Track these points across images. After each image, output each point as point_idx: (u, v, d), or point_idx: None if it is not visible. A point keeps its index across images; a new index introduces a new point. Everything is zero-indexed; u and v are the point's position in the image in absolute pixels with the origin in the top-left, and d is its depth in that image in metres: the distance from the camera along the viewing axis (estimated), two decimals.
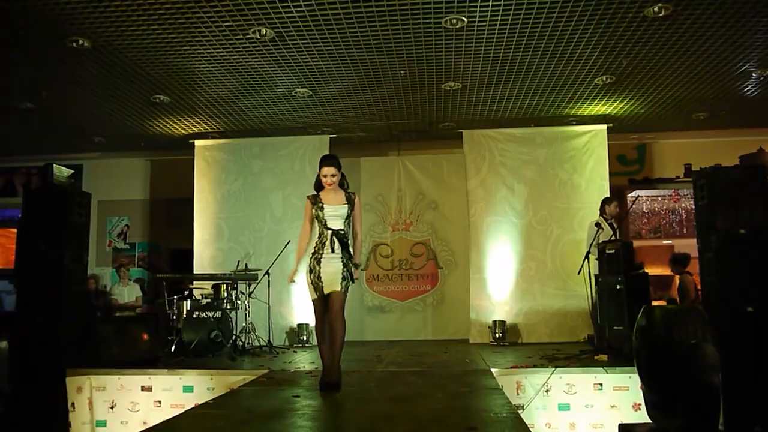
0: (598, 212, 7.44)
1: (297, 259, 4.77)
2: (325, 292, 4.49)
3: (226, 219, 8.99)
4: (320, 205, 4.56)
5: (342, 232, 4.55)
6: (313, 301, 4.56)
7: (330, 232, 4.52)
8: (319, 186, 4.68)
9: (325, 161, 4.65)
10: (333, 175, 4.59)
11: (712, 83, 7.37)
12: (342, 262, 4.51)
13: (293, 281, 4.82)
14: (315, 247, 4.56)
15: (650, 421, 2.90)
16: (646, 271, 6.91)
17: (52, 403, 5.44)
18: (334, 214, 4.55)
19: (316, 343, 4.82)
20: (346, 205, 4.61)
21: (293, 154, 8.97)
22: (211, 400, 4.62)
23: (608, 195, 8.28)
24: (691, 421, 2.34)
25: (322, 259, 4.49)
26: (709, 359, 2.28)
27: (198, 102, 7.86)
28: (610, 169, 8.63)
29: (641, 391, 2.92)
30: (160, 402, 5.59)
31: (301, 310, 8.36)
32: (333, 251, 4.50)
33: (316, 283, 4.50)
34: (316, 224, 4.61)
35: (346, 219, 4.59)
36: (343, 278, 4.51)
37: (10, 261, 7.93)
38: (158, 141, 9.55)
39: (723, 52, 6.46)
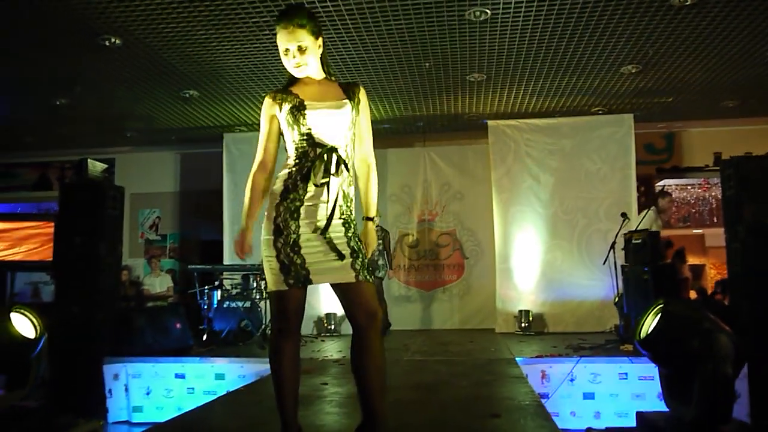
0: (651, 209, 7.37)
1: (247, 213, 2.46)
2: (321, 281, 2.33)
3: None
4: (296, 102, 2.37)
5: (345, 154, 2.39)
6: (277, 295, 2.33)
7: (320, 151, 2.34)
8: (294, 78, 2.49)
9: (281, 18, 2.41)
10: (302, 48, 2.38)
11: (740, 70, 7.26)
12: (344, 218, 2.37)
13: (247, 253, 2.44)
14: (286, 184, 2.36)
15: (667, 409, 2.96)
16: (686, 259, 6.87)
17: (90, 389, 5.65)
18: (327, 120, 2.37)
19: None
20: (347, 103, 2.42)
21: None
22: (242, 387, 4.76)
23: (635, 184, 8.28)
24: (704, 410, 2.39)
25: (302, 210, 2.32)
26: (723, 349, 2.32)
27: (226, 96, 7.99)
28: (638, 158, 8.58)
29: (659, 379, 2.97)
30: (193, 389, 5.76)
31: (328, 299, 8.48)
32: (328, 192, 2.32)
33: (289, 259, 2.29)
34: (288, 140, 2.43)
35: (349, 130, 2.42)
36: (355, 251, 2.33)
37: (48, 253, 8.18)
38: (188, 135, 9.73)
39: (753, 38, 6.36)
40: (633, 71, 7.25)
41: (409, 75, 7.32)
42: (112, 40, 6.16)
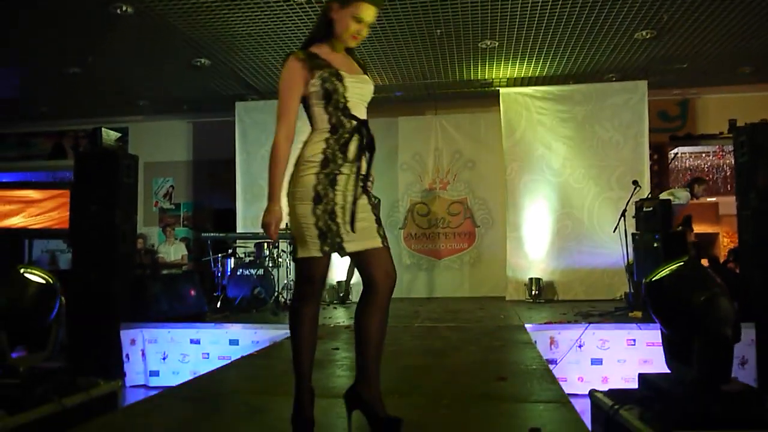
0: (687, 189, 7.39)
1: (279, 187, 2.39)
2: (353, 247, 2.34)
3: (267, 179, 9.17)
4: (333, 71, 2.36)
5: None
6: (309, 261, 2.34)
7: (355, 123, 2.39)
8: (321, 38, 2.46)
9: None
10: (369, 25, 2.43)
11: (756, 37, 7.15)
12: (367, 190, 2.45)
13: (280, 231, 2.43)
14: (325, 153, 2.34)
15: (669, 371, 3.02)
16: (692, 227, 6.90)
17: (108, 354, 5.80)
18: (359, 92, 2.43)
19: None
20: (369, 77, 2.51)
21: None
22: (255, 351, 4.87)
23: (647, 152, 8.25)
24: (704, 370, 2.45)
25: (338, 179, 2.35)
26: (723, 312, 2.37)
27: (238, 65, 7.99)
28: (652, 126, 8.50)
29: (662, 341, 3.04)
30: (208, 354, 5.89)
31: (339, 267, 8.57)
32: (359, 165, 2.40)
33: (327, 227, 2.31)
34: (319, 110, 2.39)
35: (368, 103, 2.49)
36: (377, 219, 2.45)
37: (64, 221, 8.32)
38: (200, 103, 9.76)
39: None
40: (647, 37, 7.16)
41: (421, 42, 7.27)
42: (124, 8, 6.17)
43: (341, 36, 2.41)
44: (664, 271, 2.84)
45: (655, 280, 2.78)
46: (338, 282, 8.55)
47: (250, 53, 7.56)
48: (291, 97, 2.37)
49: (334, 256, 2.40)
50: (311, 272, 2.36)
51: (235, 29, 6.80)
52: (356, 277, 7.82)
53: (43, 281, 3.60)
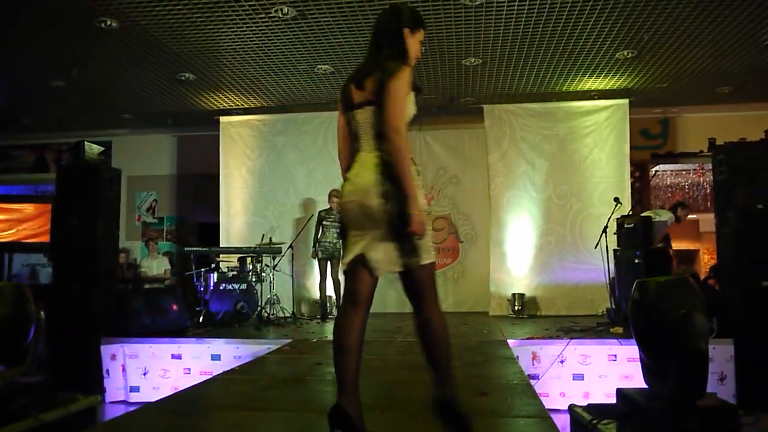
0: (671, 213, 7.55)
1: (412, 189, 2.38)
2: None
3: (251, 194, 9.19)
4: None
5: None
6: (428, 266, 2.55)
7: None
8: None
9: (424, 24, 2.74)
10: None
11: (736, 56, 7.29)
12: None
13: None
14: (416, 170, 2.49)
15: (646, 386, 3.05)
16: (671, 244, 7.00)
17: (88, 369, 5.72)
18: None
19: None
20: None
21: (316, 129, 9.12)
22: (237, 366, 4.84)
23: (629, 170, 8.36)
24: (680, 385, 2.48)
25: None
26: (698, 328, 2.41)
27: (222, 79, 8.01)
28: (633, 144, 8.62)
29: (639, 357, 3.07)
30: (189, 369, 5.84)
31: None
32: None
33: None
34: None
35: None
36: None
37: (46, 234, 8.23)
38: (184, 118, 9.74)
39: (748, 24, 6.39)
40: (629, 56, 7.28)
41: None
42: (108, 22, 6.17)
43: (412, 58, 2.62)
44: (653, 282, 2.89)
45: (643, 284, 2.82)
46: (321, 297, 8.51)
47: (234, 68, 7.58)
48: (407, 105, 2.43)
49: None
50: (431, 280, 2.56)
51: (219, 44, 6.82)
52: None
53: (15, 295, 3.56)
